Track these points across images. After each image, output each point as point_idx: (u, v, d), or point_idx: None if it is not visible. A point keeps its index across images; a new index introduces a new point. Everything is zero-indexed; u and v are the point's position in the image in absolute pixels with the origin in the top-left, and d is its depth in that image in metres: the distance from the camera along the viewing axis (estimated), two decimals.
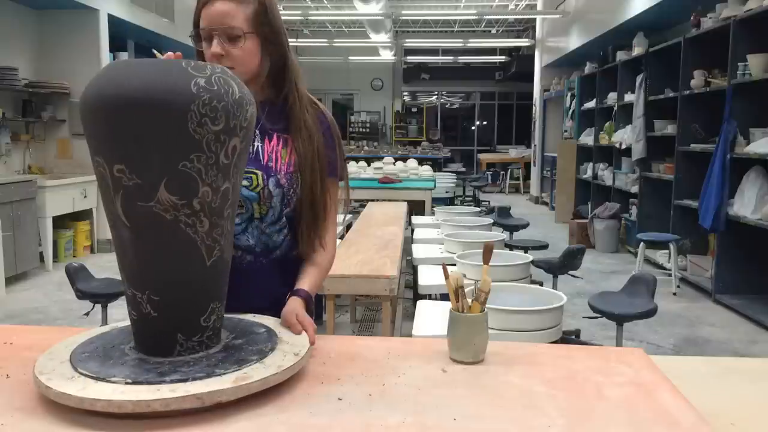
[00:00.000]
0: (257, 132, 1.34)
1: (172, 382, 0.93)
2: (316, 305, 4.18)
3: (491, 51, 15.04)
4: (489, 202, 10.45)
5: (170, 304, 1.02)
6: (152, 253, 1.00)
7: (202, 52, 1.29)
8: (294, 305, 1.22)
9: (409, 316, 3.46)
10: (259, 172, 1.31)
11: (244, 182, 1.29)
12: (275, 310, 1.25)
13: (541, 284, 3.24)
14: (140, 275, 1.02)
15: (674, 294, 5.09)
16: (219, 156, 0.97)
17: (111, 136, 0.95)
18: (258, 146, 1.34)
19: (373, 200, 5.67)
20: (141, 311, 1.02)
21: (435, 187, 6.40)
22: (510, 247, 4.45)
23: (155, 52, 1.39)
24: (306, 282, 1.32)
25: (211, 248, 1.02)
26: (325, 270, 1.40)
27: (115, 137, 0.94)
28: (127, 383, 0.93)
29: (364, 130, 15.15)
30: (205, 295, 1.04)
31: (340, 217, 5.08)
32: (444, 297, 2.96)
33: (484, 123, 16.34)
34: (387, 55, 14.31)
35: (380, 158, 8.19)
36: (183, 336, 1.03)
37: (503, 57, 15.04)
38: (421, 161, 8.10)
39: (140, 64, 0.97)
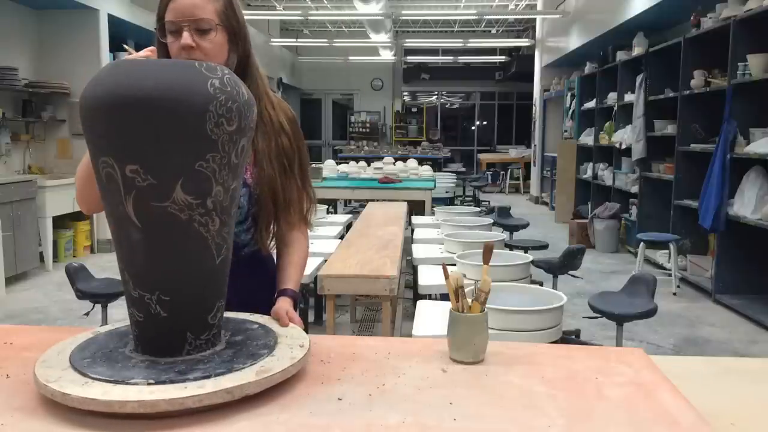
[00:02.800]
0: None
1: (196, 379, 0.94)
2: (316, 306, 4.19)
3: (491, 51, 15.04)
4: (489, 202, 10.45)
5: (181, 303, 1.02)
6: (164, 253, 1.00)
7: (165, 45, 1.27)
8: (283, 305, 1.27)
9: (409, 316, 3.46)
10: None
11: None
12: (244, 307, 1.29)
13: (541, 284, 3.24)
14: (150, 276, 1.01)
15: (674, 294, 5.09)
16: (231, 156, 0.99)
17: (125, 137, 0.93)
18: None
19: (373, 200, 5.67)
20: (149, 312, 1.01)
21: (435, 187, 6.40)
22: (510, 247, 4.45)
23: (125, 46, 1.44)
24: (291, 280, 1.36)
25: (220, 246, 1.03)
26: (304, 259, 1.44)
27: (129, 137, 0.93)
28: (150, 383, 0.92)
29: (364, 130, 15.15)
30: (212, 293, 1.06)
31: (343, 218, 5.03)
32: (444, 297, 2.96)
33: (484, 123, 16.34)
34: (387, 55, 14.31)
35: (380, 158, 8.20)
36: (192, 335, 1.03)
37: (503, 57, 15.03)
38: (421, 161, 8.10)
39: (150, 64, 0.97)
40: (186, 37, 1.23)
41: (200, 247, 1.01)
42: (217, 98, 0.95)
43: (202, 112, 0.93)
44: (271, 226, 1.42)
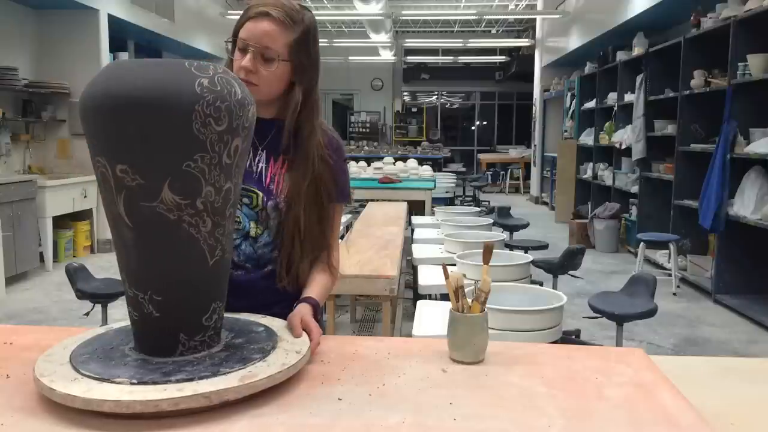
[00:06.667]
0: (264, 151, 1.36)
1: (178, 381, 0.93)
2: None
3: (491, 51, 15.04)
4: (489, 202, 10.45)
5: (172, 304, 1.02)
6: (155, 253, 1.00)
7: (232, 60, 1.30)
8: (302, 310, 1.23)
9: (409, 316, 3.46)
10: (260, 193, 1.33)
11: (245, 200, 1.32)
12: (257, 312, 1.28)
13: (541, 284, 3.24)
14: (142, 275, 1.02)
15: (674, 294, 5.09)
16: (222, 156, 0.98)
17: (114, 136, 0.94)
18: (262, 167, 1.35)
19: (373, 200, 5.67)
20: (143, 311, 1.02)
21: (435, 187, 6.40)
22: (510, 247, 4.45)
23: None
24: (314, 290, 1.33)
25: (213, 248, 1.02)
26: (331, 284, 1.42)
27: (118, 137, 0.94)
28: (132, 383, 0.92)
29: (364, 130, 15.14)
30: (207, 294, 1.05)
31: (343, 218, 5.04)
32: (444, 297, 2.96)
33: (484, 123, 16.34)
34: (387, 55, 14.31)
35: (380, 158, 8.19)
36: (185, 336, 1.03)
37: (503, 57, 15.04)
38: (421, 161, 8.09)
39: (144, 64, 0.96)
40: (248, 60, 1.26)
41: (191, 248, 1.00)
42: (204, 97, 0.94)
43: (188, 111, 0.92)
44: (294, 263, 1.36)
